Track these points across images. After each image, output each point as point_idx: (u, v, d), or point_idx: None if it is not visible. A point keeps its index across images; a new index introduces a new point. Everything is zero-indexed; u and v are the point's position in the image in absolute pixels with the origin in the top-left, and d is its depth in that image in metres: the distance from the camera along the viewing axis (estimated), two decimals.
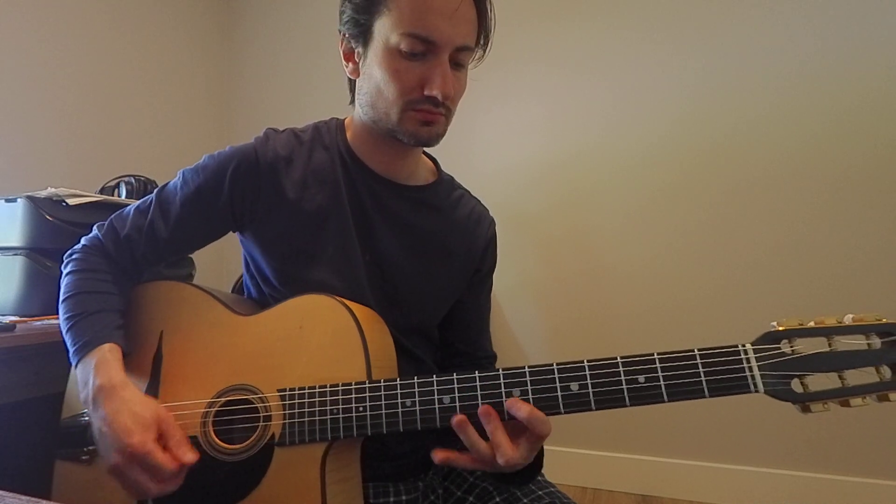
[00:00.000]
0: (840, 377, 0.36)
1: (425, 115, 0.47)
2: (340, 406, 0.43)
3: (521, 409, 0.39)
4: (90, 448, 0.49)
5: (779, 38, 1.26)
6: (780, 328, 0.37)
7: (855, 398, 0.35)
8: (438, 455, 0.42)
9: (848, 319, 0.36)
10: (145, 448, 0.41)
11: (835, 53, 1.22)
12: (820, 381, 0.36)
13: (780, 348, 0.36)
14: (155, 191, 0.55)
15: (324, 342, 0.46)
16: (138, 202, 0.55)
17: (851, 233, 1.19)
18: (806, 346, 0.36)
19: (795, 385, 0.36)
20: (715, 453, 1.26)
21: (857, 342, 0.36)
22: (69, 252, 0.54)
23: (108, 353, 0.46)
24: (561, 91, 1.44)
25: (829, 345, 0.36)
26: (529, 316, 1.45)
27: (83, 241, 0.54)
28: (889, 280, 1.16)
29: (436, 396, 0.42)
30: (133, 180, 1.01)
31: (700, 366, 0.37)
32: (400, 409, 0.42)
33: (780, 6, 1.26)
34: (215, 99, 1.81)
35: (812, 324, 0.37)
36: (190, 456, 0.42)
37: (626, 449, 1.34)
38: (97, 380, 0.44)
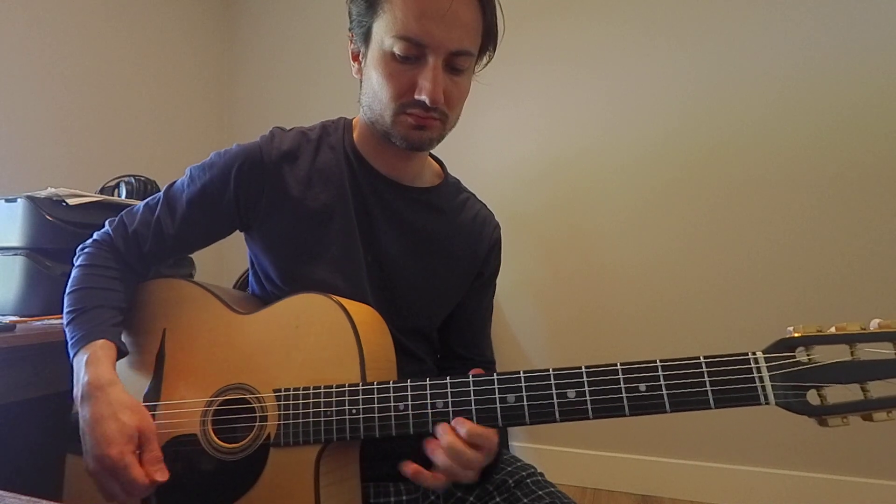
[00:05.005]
0: (863, 389, 0.33)
1: (417, 118, 0.46)
2: (334, 408, 0.43)
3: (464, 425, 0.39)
4: None
5: (779, 36, 1.22)
6: (797, 334, 0.34)
7: (879, 412, 0.32)
8: (409, 468, 0.40)
9: (873, 325, 0.33)
10: (123, 462, 0.41)
11: (836, 51, 1.17)
12: (840, 393, 0.33)
13: (794, 356, 0.33)
14: (164, 188, 0.55)
15: (319, 342, 0.45)
16: (148, 199, 0.55)
17: (856, 233, 1.15)
18: (824, 355, 0.33)
19: (812, 397, 0.33)
20: (715, 453, 1.25)
21: (883, 351, 0.33)
22: (81, 245, 0.54)
23: (100, 350, 0.46)
24: (560, 91, 1.42)
25: (852, 353, 0.33)
26: (529, 315, 1.44)
27: (95, 235, 0.55)
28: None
29: (429, 401, 0.41)
30: (133, 180, 1.01)
31: (706, 374, 0.35)
32: (392, 413, 0.42)
33: (780, 6, 1.22)
34: (215, 99, 1.80)
35: (833, 330, 0.34)
36: (160, 476, 0.43)
37: (626, 449, 1.33)
38: (85, 376, 0.44)
